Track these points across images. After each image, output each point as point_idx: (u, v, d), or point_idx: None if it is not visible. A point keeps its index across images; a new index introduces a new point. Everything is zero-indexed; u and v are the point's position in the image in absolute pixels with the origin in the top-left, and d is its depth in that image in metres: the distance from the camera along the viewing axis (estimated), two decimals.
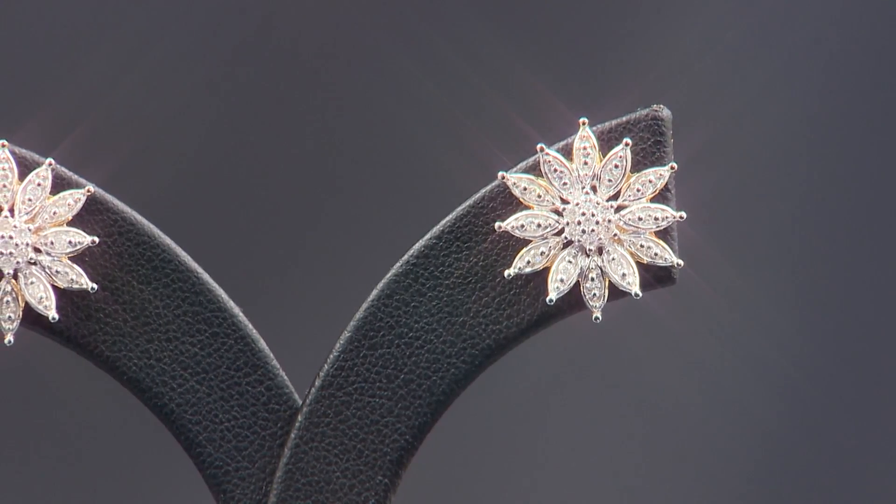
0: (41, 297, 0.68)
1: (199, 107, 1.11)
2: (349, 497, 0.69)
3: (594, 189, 0.69)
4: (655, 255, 0.69)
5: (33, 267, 0.68)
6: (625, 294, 0.69)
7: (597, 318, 0.69)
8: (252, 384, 0.70)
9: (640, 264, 0.69)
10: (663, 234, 0.69)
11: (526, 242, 0.69)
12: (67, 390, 1.12)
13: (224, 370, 0.69)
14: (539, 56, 1.12)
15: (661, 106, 0.70)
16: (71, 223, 0.68)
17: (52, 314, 0.67)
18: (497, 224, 0.69)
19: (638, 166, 0.69)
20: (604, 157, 0.69)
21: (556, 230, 0.69)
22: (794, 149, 1.15)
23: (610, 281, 0.69)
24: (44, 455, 1.13)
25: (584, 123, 0.69)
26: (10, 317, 0.68)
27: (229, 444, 0.69)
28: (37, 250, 0.68)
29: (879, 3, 1.16)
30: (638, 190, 0.69)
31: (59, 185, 0.69)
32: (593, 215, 0.69)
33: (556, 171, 0.69)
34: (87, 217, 0.69)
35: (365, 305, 0.70)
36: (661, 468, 1.16)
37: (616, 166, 0.69)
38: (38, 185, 0.68)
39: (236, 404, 0.69)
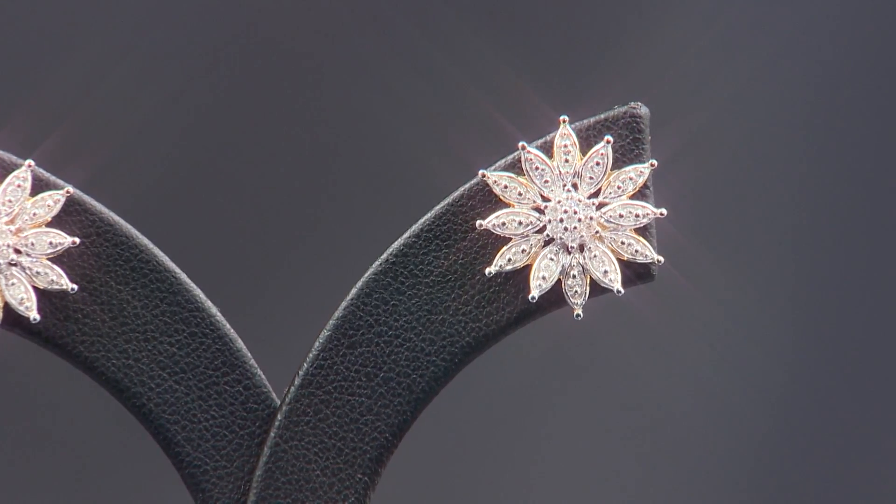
0: (22, 298, 0.67)
1: (177, 108, 1.11)
2: (329, 495, 0.69)
3: (575, 187, 0.69)
4: (636, 251, 0.69)
5: (14, 268, 0.68)
6: (605, 291, 0.69)
7: (578, 315, 0.69)
8: (230, 384, 0.70)
9: (620, 261, 0.69)
10: (642, 231, 0.69)
11: (506, 240, 0.69)
12: (46, 391, 1.11)
13: (202, 370, 0.69)
14: (518, 53, 1.12)
15: (639, 103, 0.70)
16: (50, 224, 0.68)
17: (34, 315, 0.67)
18: (478, 222, 0.69)
19: (617, 163, 0.69)
20: (584, 154, 0.69)
21: (538, 228, 0.69)
22: (773, 145, 1.16)
23: (591, 278, 0.69)
24: (22, 456, 1.13)
25: (564, 121, 0.69)
26: None
27: (207, 444, 0.69)
28: (17, 251, 0.68)
29: (858, 1, 1.16)
30: (619, 187, 0.69)
31: (38, 186, 0.69)
32: (575, 213, 0.68)
33: (537, 168, 0.69)
34: (65, 218, 0.69)
35: (344, 304, 0.70)
36: (640, 463, 1.16)
37: (597, 164, 0.69)
38: (18, 186, 0.68)
39: (214, 404, 0.69)
